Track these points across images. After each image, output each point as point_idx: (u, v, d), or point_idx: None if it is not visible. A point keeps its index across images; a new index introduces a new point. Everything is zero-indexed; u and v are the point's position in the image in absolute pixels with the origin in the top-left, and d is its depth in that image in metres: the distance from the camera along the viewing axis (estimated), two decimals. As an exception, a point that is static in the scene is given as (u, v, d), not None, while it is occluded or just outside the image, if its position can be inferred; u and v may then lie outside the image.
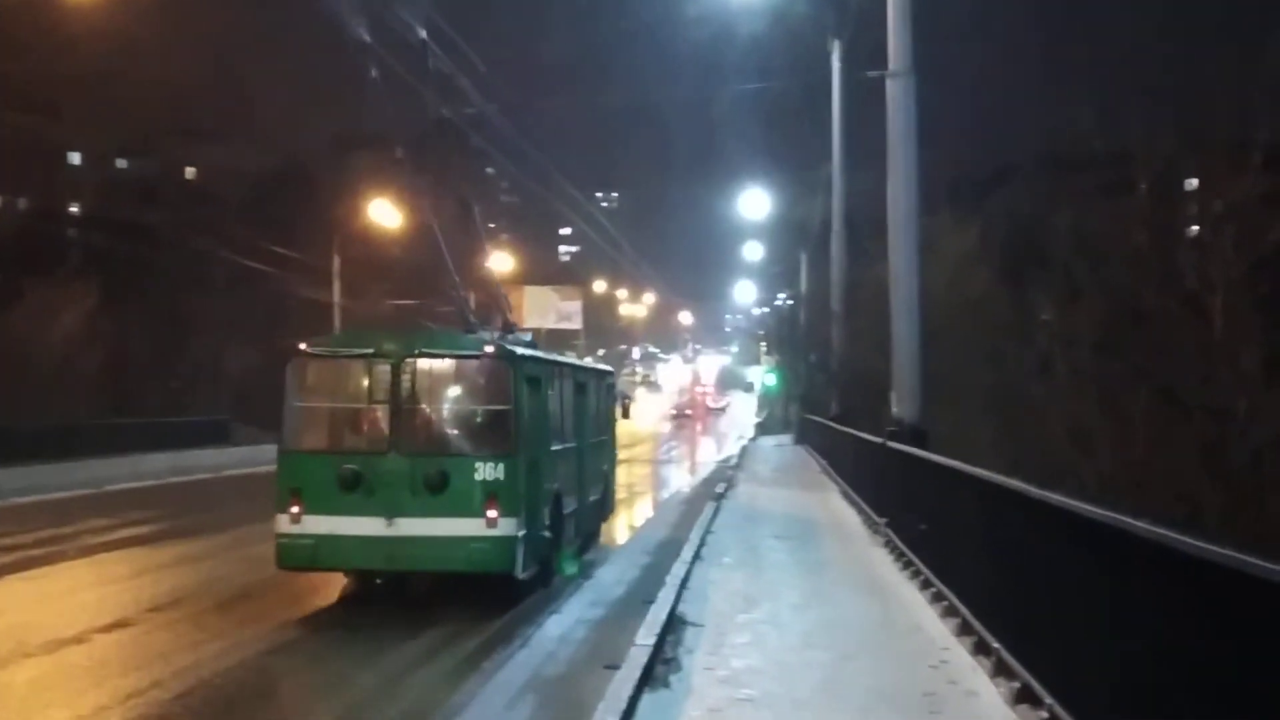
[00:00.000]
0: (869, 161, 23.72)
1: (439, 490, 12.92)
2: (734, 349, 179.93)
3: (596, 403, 18.90)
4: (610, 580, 14.58)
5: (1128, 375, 27.23)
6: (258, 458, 38.76)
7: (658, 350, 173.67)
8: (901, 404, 16.49)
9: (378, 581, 14.04)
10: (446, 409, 13.61)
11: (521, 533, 13.13)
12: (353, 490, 13.02)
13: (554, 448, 15.06)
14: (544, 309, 67.75)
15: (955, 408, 27.89)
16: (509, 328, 16.50)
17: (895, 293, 16.75)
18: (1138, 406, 26.44)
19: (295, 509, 13.07)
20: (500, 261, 43.09)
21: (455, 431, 13.48)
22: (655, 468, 40.13)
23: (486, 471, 12.98)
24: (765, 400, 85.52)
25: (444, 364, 13.62)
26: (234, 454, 37.13)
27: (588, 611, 12.45)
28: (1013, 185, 38.89)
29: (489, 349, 13.58)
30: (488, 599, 13.13)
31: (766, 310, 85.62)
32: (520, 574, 13.20)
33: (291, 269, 42.87)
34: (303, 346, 13.69)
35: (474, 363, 13.60)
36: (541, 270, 77.25)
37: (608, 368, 23.63)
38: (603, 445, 19.57)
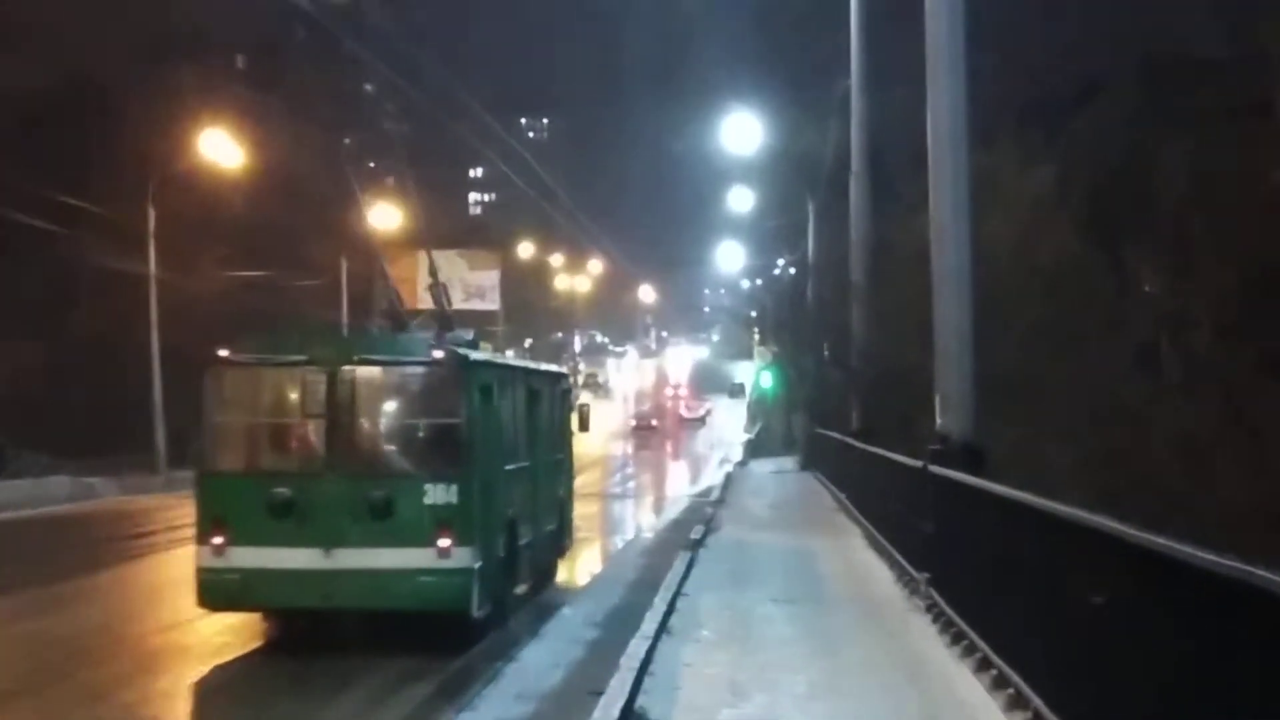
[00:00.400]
0: (903, 74, 23.77)
1: (383, 516, 15.32)
2: (714, 337, 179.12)
3: (551, 413, 21.54)
4: (542, 661, 14.84)
5: (1262, 369, 27.53)
6: (44, 494, 38.45)
7: (607, 340, 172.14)
8: (948, 413, 16.88)
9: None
10: (390, 423, 16.23)
11: (478, 565, 15.60)
12: (285, 517, 15.35)
13: (508, 467, 17.62)
14: (448, 282, 67.04)
15: (1023, 417, 28.04)
16: (447, 324, 18.75)
17: (939, 257, 17.11)
18: (1275, 413, 26.72)
19: (218, 539, 15.46)
20: (383, 216, 42.95)
21: (400, 449, 16.08)
22: (606, 504, 40.22)
23: (437, 494, 15.40)
24: (759, 408, 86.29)
25: (387, 372, 16.14)
26: (10, 490, 36.70)
27: (511, 708, 12.66)
28: (1103, 107, 39.01)
29: (437, 354, 15.98)
30: (428, 652, 15.14)
31: (760, 283, 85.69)
32: (476, 613, 15.67)
33: (86, 227, 42.28)
34: (223, 353, 15.96)
35: (421, 370, 16.08)
36: (443, 228, 76.33)
37: (561, 370, 26.65)
38: (559, 465, 22.35)
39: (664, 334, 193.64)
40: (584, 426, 26.28)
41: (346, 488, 15.37)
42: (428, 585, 15.21)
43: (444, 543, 15.22)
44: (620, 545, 29.17)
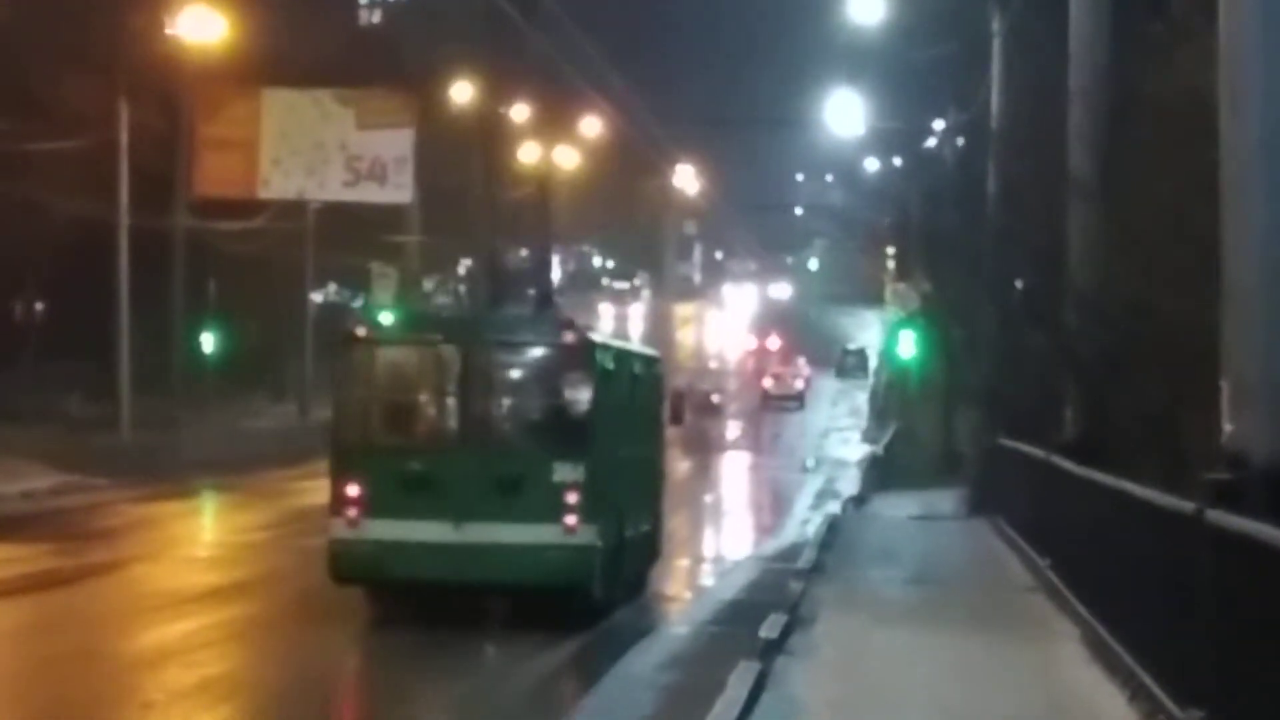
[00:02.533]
0: None
1: (512, 492, 20.19)
2: (812, 263, 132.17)
3: (649, 402, 25.38)
4: None
5: None
6: None
7: (609, 264, 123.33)
8: (1248, 414, 13.59)
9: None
10: (520, 402, 21.62)
11: (601, 544, 20.77)
12: (420, 491, 20.24)
13: (618, 455, 22.26)
14: (319, 150, 51.25)
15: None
16: (546, 293, 25.67)
17: (1235, 122, 13.33)
18: None
19: (353, 512, 20.14)
20: (198, 25, 37.95)
21: (529, 427, 21.32)
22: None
23: (564, 473, 19.90)
24: (893, 398, 66.69)
25: (518, 352, 21.41)
26: None
27: None
28: None
29: (569, 336, 20.84)
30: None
31: (899, 165, 60.72)
32: (598, 592, 20.85)
33: None
34: (360, 331, 21.14)
35: (552, 351, 20.95)
36: (310, 49, 53.93)
37: (653, 352, 28.62)
38: (653, 460, 25.90)
39: (718, 255, 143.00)
40: (677, 418, 29.65)
41: (477, 463, 19.90)
42: (554, 561, 19.49)
43: (570, 520, 19.54)
44: (630, 647, 21.69)
